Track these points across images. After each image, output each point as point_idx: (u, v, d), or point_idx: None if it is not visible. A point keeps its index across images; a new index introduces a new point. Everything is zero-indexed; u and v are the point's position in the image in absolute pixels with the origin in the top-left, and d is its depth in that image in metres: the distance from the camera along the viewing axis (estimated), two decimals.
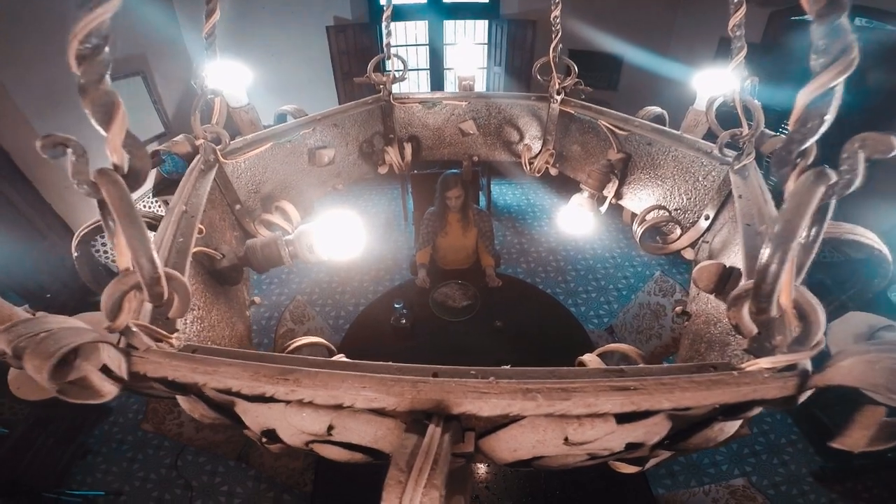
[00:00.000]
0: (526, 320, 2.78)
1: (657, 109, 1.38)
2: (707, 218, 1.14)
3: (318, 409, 0.46)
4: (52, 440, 2.88)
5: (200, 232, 0.85)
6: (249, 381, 0.46)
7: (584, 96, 1.57)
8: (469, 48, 1.67)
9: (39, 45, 3.28)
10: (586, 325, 3.02)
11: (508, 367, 0.44)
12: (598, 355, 0.78)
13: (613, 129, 1.34)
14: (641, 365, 0.46)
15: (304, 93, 5.45)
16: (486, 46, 5.67)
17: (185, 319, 0.72)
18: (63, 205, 3.64)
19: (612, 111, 1.40)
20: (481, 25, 5.59)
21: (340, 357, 0.82)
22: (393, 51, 1.45)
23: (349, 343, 2.68)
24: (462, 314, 2.79)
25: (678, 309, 1.03)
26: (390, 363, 0.45)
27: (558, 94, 1.51)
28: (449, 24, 5.53)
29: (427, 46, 5.65)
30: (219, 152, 1.14)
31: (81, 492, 2.84)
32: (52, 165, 3.44)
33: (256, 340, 3.87)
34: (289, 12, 5.03)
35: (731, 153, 1.09)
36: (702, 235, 1.16)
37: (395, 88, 1.56)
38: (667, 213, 1.19)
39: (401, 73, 1.53)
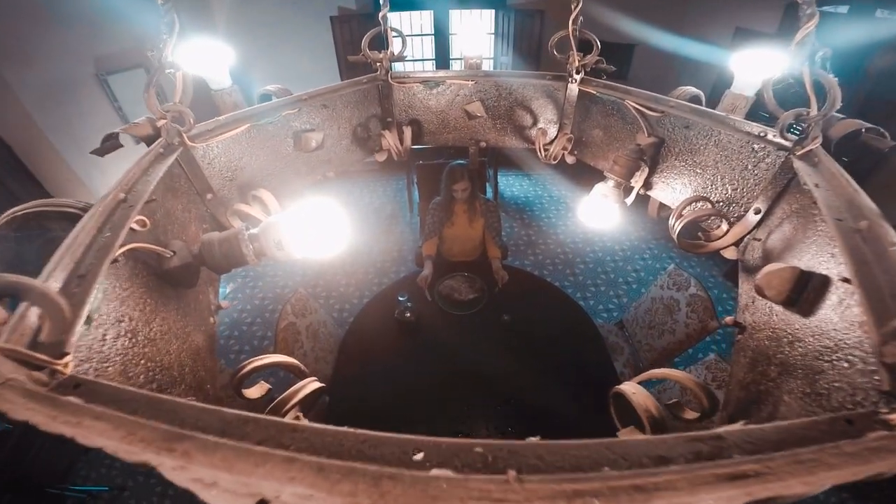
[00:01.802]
0: (534, 314, 2.65)
1: (693, 90, 1.20)
2: (758, 212, 0.96)
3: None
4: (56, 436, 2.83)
5: (143, 225, 0.69)
6: (122, 444, 0.29)
7: (605, 76, 1.39)
8: (475, 26, 1.49)
9: (40, 39, 3.20)
10: (595, 318, 2.87)
11: (537, 439, 0.28)
12: (640, 383, 0.61)
13: (643, 110, 1.16)
14: (743, 425, 0.30)
15: (307, 84, 5.25)
16: (492, 37, 5.46)
17: (105, 336, 0.55)
18: (65, 197, 3.53)
19: (641, 90, 1.22)
20: (488, 15, 5.39)
21: (312, 382, 0.65)
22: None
23: (352, 338, 2.56)
24: (468, 308, 2.65)
25: (728, 319, 0.85)
26: (348, 430, 0.28)
27: (577, 72, 1.33)
28: (455, 14, 5.33)
29: (433, 36, 5.46)
30: (184, 135, 0.98)
31: (85, 487, 2.79)
32: (53, 158, 3.37)
33: (260, 333, 3.75)
34: (292, 2, 4.87)
35: (790, 138, 0.91)
36: (750, 232, 0.98)
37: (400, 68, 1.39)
38: (710, 206, 1.01)
39: (400, 49, 1.36)
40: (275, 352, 2.28)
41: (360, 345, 2.53)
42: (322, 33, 4.96)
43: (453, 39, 5.46)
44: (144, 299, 0.67)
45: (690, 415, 0.63)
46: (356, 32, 4.90)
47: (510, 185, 5.87)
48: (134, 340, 0.61)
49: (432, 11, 5.24)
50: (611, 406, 0.65)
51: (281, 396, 0.62)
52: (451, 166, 2.78)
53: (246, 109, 1.13)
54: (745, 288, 0.89)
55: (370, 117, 1.41)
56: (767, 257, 0.86)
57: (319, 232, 0.72)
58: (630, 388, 0.56)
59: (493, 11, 5.29)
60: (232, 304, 4.09)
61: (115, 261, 0.59)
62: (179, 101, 0.96)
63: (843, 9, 3.62)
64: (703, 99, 1.20)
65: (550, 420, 2.06)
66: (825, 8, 3.75)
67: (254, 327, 3.83)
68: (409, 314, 2.47)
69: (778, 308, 0.71)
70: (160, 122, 0.96)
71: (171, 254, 0.72)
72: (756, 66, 1.11)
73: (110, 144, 0.98)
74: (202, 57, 1.16)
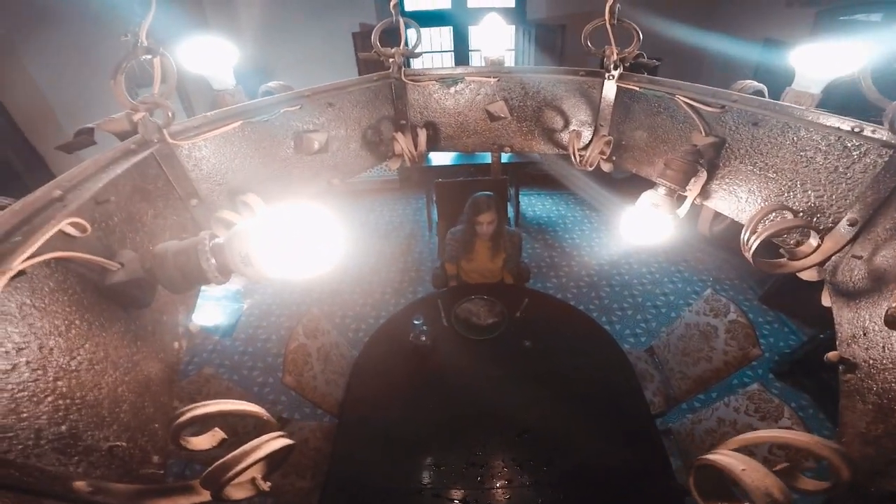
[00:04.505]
0: (557, 340, 2.48)
1: (756, 84, 1.02)
2: (853, 223, 0.76)
3: None
4: None
5: (82, 230, 0.55)
6: None
7: (645, 72, 1.23)
8: (496, 23, 1.35)
9: (74, 47, 3.25)
10: (622, 343, 2.67)
11: None
12: (736, 449, 0.42)
13: (699, 105, 0.99)
14: None
15: None
16: (513, 53, 5.37)
17: None
18: None
19: (693, 84, 1.05)
20: (508, 31, 5.32)
21: (274, 440, 0.49)
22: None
23: (365, 361, 2.45)
24: (487, 333, 2.49)
25: (832, 355, 0.66)
26: None
27: (615, 67, 1.17)
28: (474, 30, 5.28)
29: (452, 53, 5.41)
30: (165, 131, 0.86)
31: None
32: (77, 163, 3.43)
33: (275, 350, 3.61)
34: (315, 19, 4.90)
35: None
36: (843, 248, 0.79)
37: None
38: (793, 217, 0.82)
39: (414, 43, 1.23)
40: (284, 373, 2.15)
41: (373, 368, 2.40)
42: (344, 49, 4.96)
43: (473, 56, 5.39)
44: (71, 320, 0.52)
45: (813, 485, 0.44)
46: None
47: (532, 204, 5.69)
48: (40, 372, 0.46)
49: (451, 28, 5.20)
50: (691, 479, 0.47)
51: (228, 456, 0.45)
52: (475, 196, 2.60)
53: (239, 105, 1.00)
54: (846, 316, 0.70)
55: (382, 119, 1.28)
56: (879, 279, 0.66)
57: (301, 246, 0.56)
58: (736, 464, 0.37)
59: (514, 27, 5.21)
60: (240, 319, 3.98)
61: (20, 273, 0.44)
62: (159, 91, 0.84)
63: (877, 16, 3.51)
64: (767, 94, 1.02)
65: (574, 453, 1.88)
66: (857, 16, 3.59)
67: (268, 344, 3.73)
68: (424, 338, 2.31)
69: None
70: (136, 117, 0.84)
71: (118, 266, 0.57)
72: (825, 59, 0.93)
73: (83, 139, 0.86)
74: (203, 54, 1.05)
